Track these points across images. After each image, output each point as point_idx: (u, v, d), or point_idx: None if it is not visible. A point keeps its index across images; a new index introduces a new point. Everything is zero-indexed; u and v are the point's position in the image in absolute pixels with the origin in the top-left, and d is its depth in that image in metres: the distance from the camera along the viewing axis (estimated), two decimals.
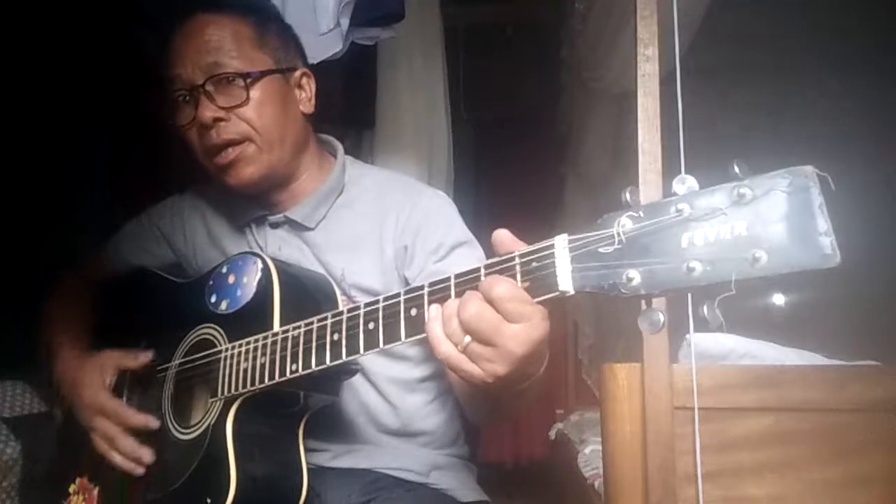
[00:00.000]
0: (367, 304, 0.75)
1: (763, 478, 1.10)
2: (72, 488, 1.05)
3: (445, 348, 0.66)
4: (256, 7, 1.08)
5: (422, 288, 0.71)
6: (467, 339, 0.65)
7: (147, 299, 1.12)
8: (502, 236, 0.67)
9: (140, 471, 0.95)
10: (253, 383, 0.85)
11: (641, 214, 0.58)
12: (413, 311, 0.70)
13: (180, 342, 1.00)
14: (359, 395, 1.08)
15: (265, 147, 1.03)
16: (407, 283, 1.07)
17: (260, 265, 0.93)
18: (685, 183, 0.57)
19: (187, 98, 1.02)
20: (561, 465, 2.61)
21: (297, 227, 1.10)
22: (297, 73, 1.10)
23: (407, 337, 0.71)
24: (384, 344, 0.73)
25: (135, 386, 1.03)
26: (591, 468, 2.08)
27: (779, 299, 2.91)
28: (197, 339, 0.98)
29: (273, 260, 0.94)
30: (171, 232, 1.22)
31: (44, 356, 1.10)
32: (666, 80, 1.14)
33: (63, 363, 1.06)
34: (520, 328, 0.64)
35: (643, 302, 0.61)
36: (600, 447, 1.21)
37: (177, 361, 0.99)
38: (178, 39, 1.04)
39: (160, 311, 1.07)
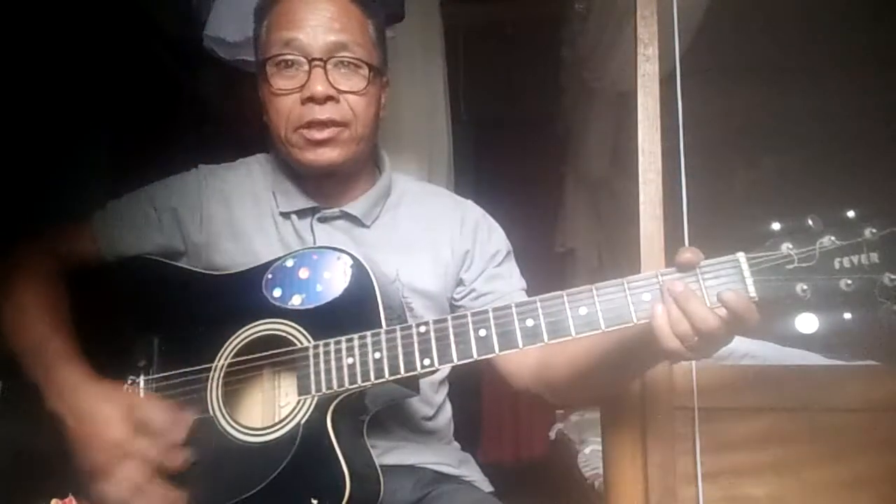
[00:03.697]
0: (519, 304, 0.82)
1: (762, 478, 1.10)
2: None
3: (674, 345, 0.77)
4: (377, 9, 1.11)
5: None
6: (695, 339, 0.77)
7: (157, 293, 1.03)
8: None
9: None
10: (366, 378, 0.85)
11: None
12: (583, 311, 0.80)
13: (227, 340, 0.94)
14: None
15: (356, 137, 1.05)
16: (462, 284, 1.12)
17: (349, 261, 0.92)
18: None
19: (292, 65, 1.02)
20: (561, 465, 2.61)
21: (354, 222, 1.10)
22: (385, 79, 1.13)
23: (577, 332, 0.80)
24: (549, 339, 0.80)
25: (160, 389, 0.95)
26: (591, 468, 2.08)
27: None
28: (258, 335, 0.93)
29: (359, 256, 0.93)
30: (185, 216, 1.09)
31: (29, 365, 0.93)
32: (666, 80, 1.14)
33: (67, 384, 0.91)
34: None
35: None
36: (600, 447, 1.21)
37: (226, 361, 0.93)
38: (295, 2, 1.03)
39: (182, 307, 0.99)
